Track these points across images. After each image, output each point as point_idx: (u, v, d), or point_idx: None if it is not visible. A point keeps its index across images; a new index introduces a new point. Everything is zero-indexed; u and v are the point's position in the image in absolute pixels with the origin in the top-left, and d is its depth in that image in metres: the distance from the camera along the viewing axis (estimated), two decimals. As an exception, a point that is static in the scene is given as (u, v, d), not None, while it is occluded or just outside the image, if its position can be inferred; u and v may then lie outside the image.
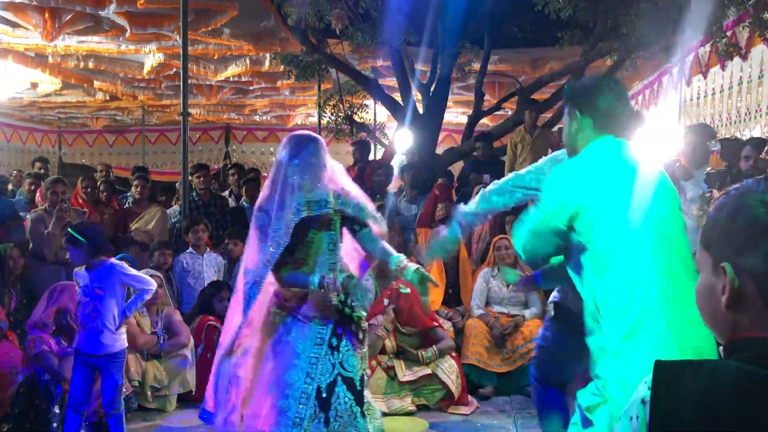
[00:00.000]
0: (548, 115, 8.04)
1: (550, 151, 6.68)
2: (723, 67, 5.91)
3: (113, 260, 3.78)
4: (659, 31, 5.84)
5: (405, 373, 4.53)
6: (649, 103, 8.27)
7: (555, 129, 7.55)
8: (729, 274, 1.00)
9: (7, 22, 6.81)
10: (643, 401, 0.99)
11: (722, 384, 0.93)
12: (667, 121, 7.06)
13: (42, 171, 7.77)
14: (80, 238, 3.65)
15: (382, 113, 10.18)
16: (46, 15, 6.57)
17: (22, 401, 4.16)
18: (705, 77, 6.35)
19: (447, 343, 4.76)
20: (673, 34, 5.72)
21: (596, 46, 6.82)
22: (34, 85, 9.84)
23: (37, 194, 6.40)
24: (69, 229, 3.81)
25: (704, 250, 1.07)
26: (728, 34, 5.64)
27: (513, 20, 7.43)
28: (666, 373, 0.99)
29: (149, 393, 4.47)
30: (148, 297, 3.85)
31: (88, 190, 6.26)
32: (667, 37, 5.87)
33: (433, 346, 4.67)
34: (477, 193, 5.86)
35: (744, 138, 5.13)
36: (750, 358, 0.96)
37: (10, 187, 7.29)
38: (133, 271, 3.83)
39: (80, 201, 6.21)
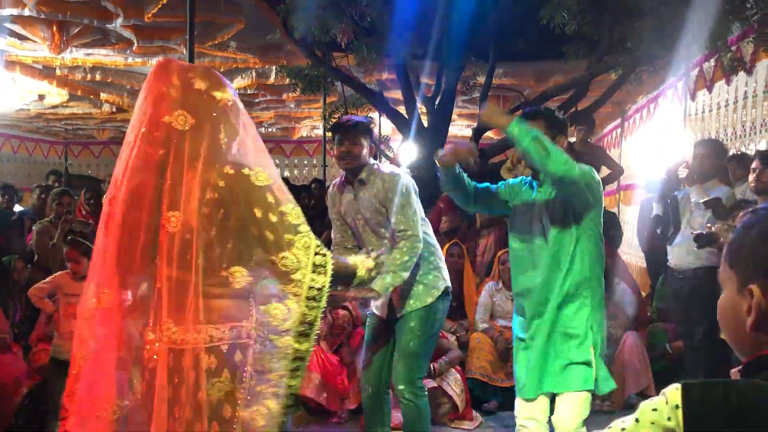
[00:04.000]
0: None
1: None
2: (728, 82, 5.91)
3: None
4: (664, 45, 5.85)
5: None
6: (653, 116, 8.27)
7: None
8: (756, 297, 0.99)
9: (16, 35, 6.86)
10: (677, 406, 0.98)
11: (755, 403, 0.93)
12: (671, 135, 7.07)
13: (56, 185, 7.84)
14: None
15: (387, 126, 10.20)
16: (54, 28, 6.62)
17: (26, 413, 4.16)
18: (710, 91, 6.35)
19: (455, 353, 4.75)
20: (678, 49, 5.73)
21: (601, 60, 6.83)
22: (42, 97, 9.90)
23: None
24: (85, 242, 3.86)
25: (729, 268, 1.06)
26: (733, 48, 5.65)
27: (518, 34, 7.45)
28: (696, 394, 0.98)
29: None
30: None
31: (92, 201, 6.29)
32: (671, 51, 5.88)
33: (443, 358, 4.64)
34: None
35: (750, 152, 5.13)
36: None
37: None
38: None
39: (83, 213, 6.24)
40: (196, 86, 1.85)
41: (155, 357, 1.81)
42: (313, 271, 1.81)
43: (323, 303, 1.84)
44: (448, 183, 3.12)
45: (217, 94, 1.87)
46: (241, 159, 1.87)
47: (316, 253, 1.83)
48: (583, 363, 2.84)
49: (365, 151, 3.33)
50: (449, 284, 3.42)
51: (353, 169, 3.33)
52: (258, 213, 1.81)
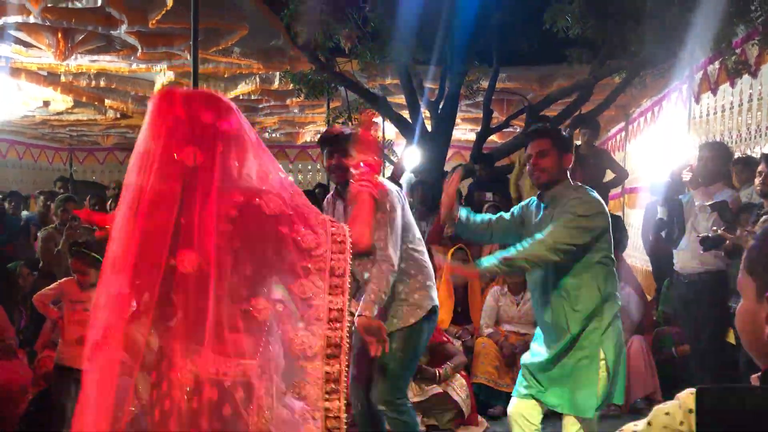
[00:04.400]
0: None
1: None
2: (732, 85, 5.90)
3: None
4: (668, 48, 5.84)
5: (415, 394, 4.48)
6: (658, 120, 8.25)
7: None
8: None
9: (21, 42, 6.89)
10: (690, 410, 0.98)
11: None
12: (675, 138, 7.04)
13: (62, 191, 7.87)
14: (100, 258, 3.81)
15: (391, 131, 10.20)
16: (59, 35, 6.64)
17: (31, 420, 4.16)
18: (714, 94, 6.34)
19: (460, 358, 4.73)
20: (682, 52, 5.72)
21: (605, 63, 6.83)
22: (46, 104, 9.94)
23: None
24: (90, 253, 3.89)
25: (748, 275, 1.05)
26: (737, 51, 5.63)
27: (521, 38, 7.45)
28: (710, 399, 0.97)
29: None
30: None
31: (96, 207, 6.32)
32: (675, 54, 5.87)
33: (448, 363, 4.62)
34: (485, 211, 5.95)
35: (755, 155, 5.11)
36: None
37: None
38: None
39: (90, 219, 6.25)
40: (202, 119, 1.83)
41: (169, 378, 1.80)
42: (330, 293, 1.85)
43: (345, 323, 1.87)
44: (463, 233, 3.16)
45: (224, 125, 1.85)
46: (248, 183, 1.87)
47: (331, 275, 1.86)
48: (590, 385, 2.84)
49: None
50: (436, 303, 3.29)
51: (344, 182, 3.24)
52: (275, 239, 1.83)
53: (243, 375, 1.80)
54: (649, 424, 1.01)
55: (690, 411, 0.97)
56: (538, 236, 2.80)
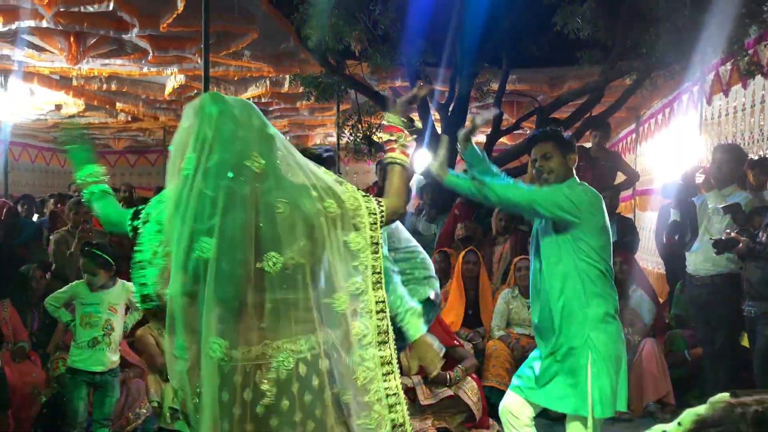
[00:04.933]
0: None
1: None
2: (745, 86, 5.86)
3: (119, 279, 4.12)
4: (679, 50, 5.80)
5: (426, 397, 4.47)
6: (669, 121, 8.21)
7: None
8: None
9: (34, 46, 6.95)
10: None
11: None
12: (686, 140, 7.01)
13: (76, 194, 7.92)
14: (111, 260, 3.87)
15: (401, 133, 10.18)
16: (71, 39, 6.70)
17: (44, 422, 4.19)
18: (726, 96, 6.30)
19: (471, 361, 4.71)
20: (694, 53, 5.69)
21: (615, 65, 6.80)
22: (58, 107, 10.02)
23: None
24: (101, 254, 3.94)
25: None
26: (749, 52, 5.59)
27: (531, 40, 7.43)
28: None
29: (168, 414, 4.46)
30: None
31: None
32: (687, 55, 5.84)
33: (459, 366, 4.61)
34: (495, 215, 5.90)
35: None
36: None
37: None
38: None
39: (100, 222, 6.29)
40: (255, 125, 2.00)
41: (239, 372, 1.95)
42: (374, 289, 2.09)
43: (388, 312, 2.12)
44: (468, 159, 3.27)
45: (268, 130, 2.01)
46: (305, 182, 2.04)
47: (373, 272, 2.09)
48: (580, 386, 2.83)
49: None
50: (432, 296, 3.27)
51: None
52: (336, 242, 2.04)
53: (323, 343, 2.01)
54: (679, 424, 1.01)
55: None
56: (522, 184, 2.99)
